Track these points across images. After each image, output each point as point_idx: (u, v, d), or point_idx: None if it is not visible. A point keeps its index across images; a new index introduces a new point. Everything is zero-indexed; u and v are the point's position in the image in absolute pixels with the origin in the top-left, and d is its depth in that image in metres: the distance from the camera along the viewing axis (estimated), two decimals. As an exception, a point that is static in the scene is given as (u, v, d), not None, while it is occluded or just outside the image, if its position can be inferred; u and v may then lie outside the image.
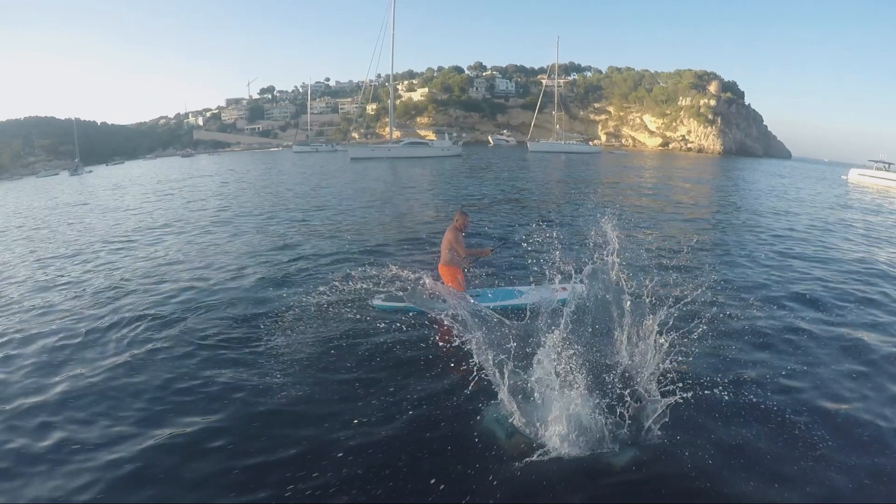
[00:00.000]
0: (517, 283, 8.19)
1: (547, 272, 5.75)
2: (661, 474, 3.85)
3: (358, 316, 6.94)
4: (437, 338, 6.18)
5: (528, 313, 5.92)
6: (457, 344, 5.38)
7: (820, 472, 3.96)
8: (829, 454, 4.19)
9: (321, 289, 8.00)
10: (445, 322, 5.47)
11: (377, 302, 7.28)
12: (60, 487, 3.90)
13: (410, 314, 6.92)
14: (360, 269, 8.83)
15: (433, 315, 6.17)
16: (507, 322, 5.60)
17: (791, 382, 5.35)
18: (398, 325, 6.59)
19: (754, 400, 4.91)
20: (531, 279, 7.59)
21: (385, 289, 7.80)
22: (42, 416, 4.90)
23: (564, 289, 6.30)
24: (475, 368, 4.73)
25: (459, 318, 5.31)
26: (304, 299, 7.63)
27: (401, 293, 7.32)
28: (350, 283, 8.21)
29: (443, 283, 6.92)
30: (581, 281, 5.59)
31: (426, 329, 6.50)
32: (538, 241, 9.52)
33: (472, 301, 6.33)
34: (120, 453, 4.26)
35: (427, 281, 6.82)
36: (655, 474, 3.84)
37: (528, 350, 4.84)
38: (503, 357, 4.61)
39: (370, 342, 6.17)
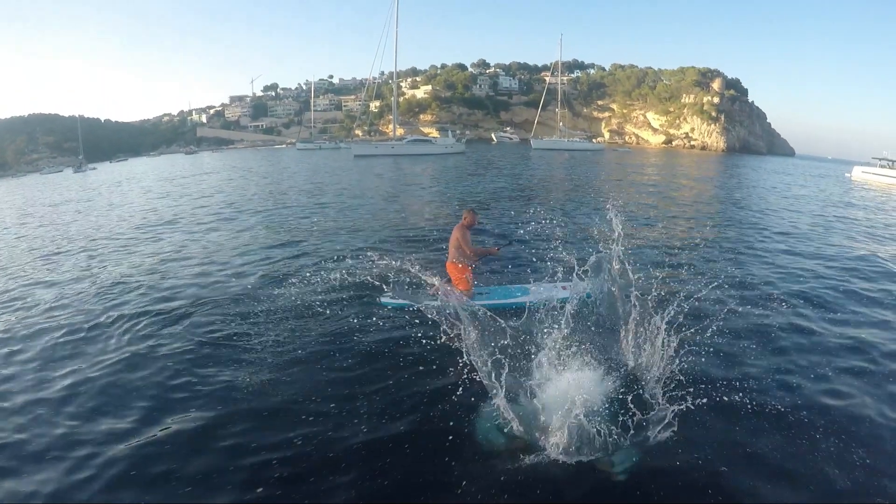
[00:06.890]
0: (521, 280, 8.08)
1: (549, 265, 5.62)
2: (663, 474, 3.79)
3: (362, 313, 6.90)
4: (442, 336, 5.67)
5: (527, 312, 5.58)
6: (457, 345, 5.11)
7: (824, 473, 3.92)
8: (834, 454, 4.14)
9: (323, 285, 7.96)
10: (437, 318, 5.32)
11: (385, 299, 7.29)
12: (60, 484, 3.89)
13: (416, 309, 6.66)
14: (365, 265, 8.76)
15: (427, 310, 5.75)
16: (504, 323, 5.08)
17: (796, 381, 5.31)
18: (403, 322, 6.53)
19: (760, 400, 4.82)
20: (531, 278, 7.32)
21: (392, 286, 7.69)
22: (42, 412, 4.91)
23: (565, 287, 6.34)
24: (475, 369, 4.62)
25: (453, 316, 5.13)
26: (308, 297, 7.59)
27: (407, 290, 7.25)
28: (355, 278, 8.17)
29: (449, 282, 6.88)
30: (585, 272, 5.45)
31: (430, 327, 5.96)
32: (542, 237, 9.41)
33: (469, 301, 6.20)
34: (120, 450, 4.25)
35: (436, 281, 6.61)
36: (657, 474, 3.78)
37: (527, 350, 4.78)
38: (500, 358, 4.45)
39: (373, 340, 6.14)
